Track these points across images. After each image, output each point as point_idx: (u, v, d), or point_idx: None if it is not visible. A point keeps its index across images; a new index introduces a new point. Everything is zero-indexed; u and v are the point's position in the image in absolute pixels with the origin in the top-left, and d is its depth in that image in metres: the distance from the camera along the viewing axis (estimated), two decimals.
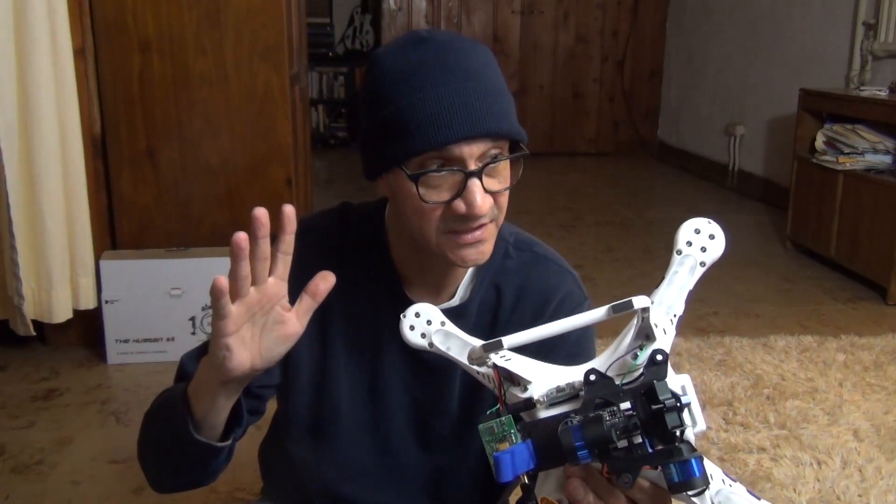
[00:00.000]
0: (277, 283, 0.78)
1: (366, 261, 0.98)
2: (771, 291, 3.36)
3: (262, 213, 0.73)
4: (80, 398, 2.30)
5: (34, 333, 2.36)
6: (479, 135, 0.82)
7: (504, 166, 0.86)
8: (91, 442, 2.07)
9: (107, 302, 2.47)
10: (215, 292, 0.73)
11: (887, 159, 3.36)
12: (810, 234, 3.73)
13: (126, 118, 2.53)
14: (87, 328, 2.57)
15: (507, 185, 0.86)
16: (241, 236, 0.72)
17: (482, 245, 0.87)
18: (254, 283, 0.76)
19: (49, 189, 2.29)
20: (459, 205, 0.83)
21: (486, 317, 0.98)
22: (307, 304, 0.80)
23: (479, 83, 0.84)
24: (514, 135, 0.85)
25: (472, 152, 0.82)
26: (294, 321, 0.80)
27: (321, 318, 0.96)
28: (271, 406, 1.15)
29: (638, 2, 6.44)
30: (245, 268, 0.74)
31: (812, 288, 3.41)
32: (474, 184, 0.82)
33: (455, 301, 0.98)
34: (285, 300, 0.79)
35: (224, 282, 0.73)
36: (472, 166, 0.83)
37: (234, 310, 0.76)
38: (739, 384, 2.43)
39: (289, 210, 0.74)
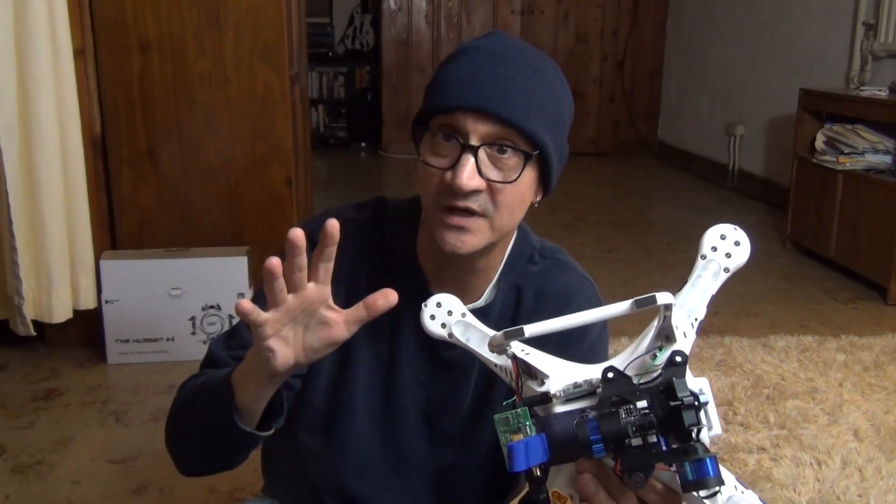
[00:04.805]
0: (318, 288, 0.78)
1: (395, 255, 0.99)
2: (771, 291, 3.36)
3: (297, 237, 0.74)
4: (80, 398, 2.30)
5: (34, 333, 2.36)
6: (484, 110, 0.83)
7: (512, 164, 0.86)
8: (91, 442, 2.07)
9: (107, 302, 2.47)
10: (240, 314, 0.75)
11: (887, 159, 3.36)
12: (810, 234, 3.73)
13: (126, 118, 2.53)
14: (87, 328, 2.56)
15: (508, 180, 0.86)
16: (274, 262, 0.73)
17: (464, 234, 0.87)
18: (292, 290, 0.77)
19: (49, 189, 2.29)
20: (449, 175, 0.85)
21: (506, 318, 0.99)
22: (359, 315, 0.80)
23: (512, 73, 0.85)
24: (523, 127, 0.84)
25: (476, 128, 0.84)
26: (341, 327, 0.80)
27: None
28: None
29: (638, 2, 6.44)
30: (279, 284, 0.75)
31: (812, 288, 3.41)
32: (467, 158, 0.84)
33: (481, 302, 0.99)
34: (329, 300, 0.80)
35: (246, 304, 0.74)
36: (475, 143, 0.84)
37: (269, 316, 0.76)
38: (739, 384, 2.42)
39: (332, 226, 0.75)
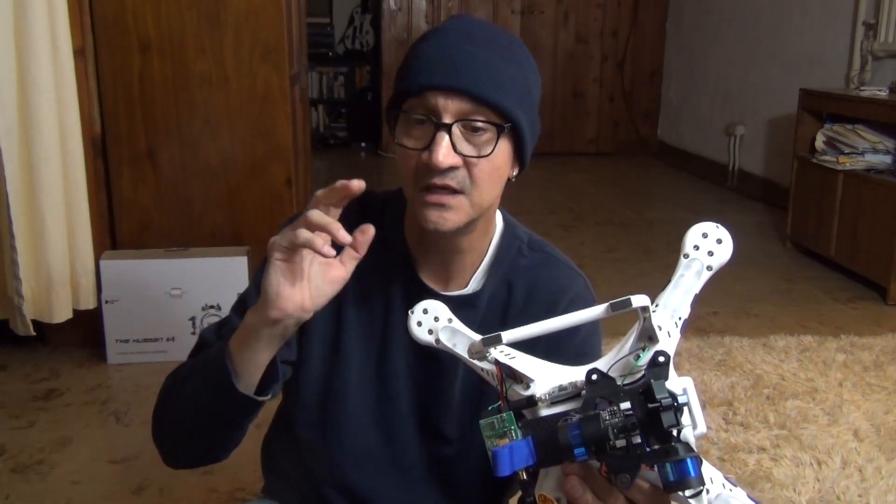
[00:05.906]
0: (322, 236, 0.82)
1: (382, 243, 0.99)
2: (771, 291, 3.36)
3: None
4: (80, 398, 2.30)
5: (34, 333, 2.36)
6: (455, 88, 0.85)
7: (486, 139, 0.87)
8: (91, 442, 2.08)
9: (107, 302, 2.47)
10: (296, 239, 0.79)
11: (887, 159, 3.36)
12: (810, 234, 3.73)
13: (126, 118, 2.53)
14: (87, 328, 2.56)
15: (483, 154, 0.87)
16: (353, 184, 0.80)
17: (445, 211, 0.88)
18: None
19: (49, 189, 2.29)
20: (425, 155, 0.86)
21: (496, 312, 1.00)
22: (351, 254, 0.86)
23: (480, 50, 0.87)
24: (494, 102, 0.86)
25: (447, 106, 0.85)
26: (339, 266, 0.85)
27: (337, 297, 0.98)
28: (272, 403, 1.15)
29: (638, 2, 6.44)
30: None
31: (812, 288, 3.41)
32: (441, 136, 0.86)
33: (467, 290, 0.99)
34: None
35: (307, 235, 0.78)
36: (448, 121, 0.86)
37: (281, 264, 0.81)
38: (739, 384, 2.43)
39: (356, 185, 0.80)
